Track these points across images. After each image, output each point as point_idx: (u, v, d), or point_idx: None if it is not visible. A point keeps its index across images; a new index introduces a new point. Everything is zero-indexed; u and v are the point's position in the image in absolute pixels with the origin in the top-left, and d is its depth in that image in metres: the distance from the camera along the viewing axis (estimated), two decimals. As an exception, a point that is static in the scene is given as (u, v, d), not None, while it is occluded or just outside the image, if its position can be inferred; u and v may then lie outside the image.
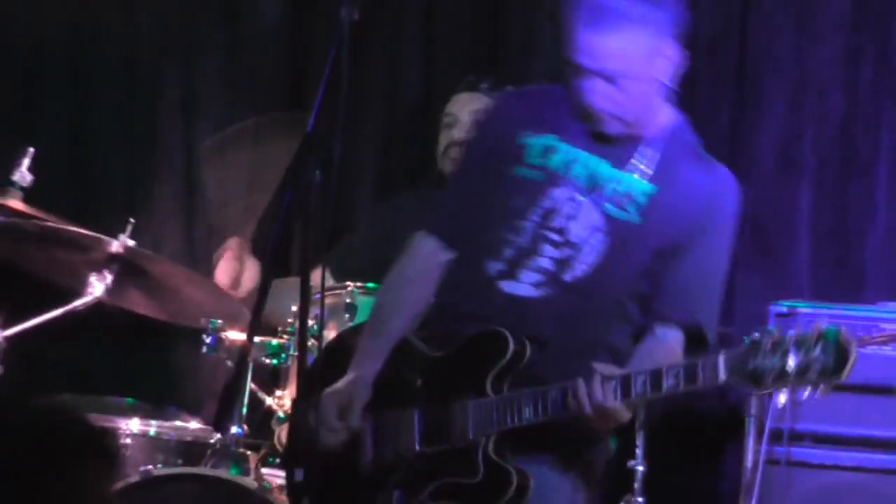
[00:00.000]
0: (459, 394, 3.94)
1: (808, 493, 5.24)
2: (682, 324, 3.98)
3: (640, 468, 5.15)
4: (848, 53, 6.34)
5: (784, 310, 5.32)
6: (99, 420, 4.99)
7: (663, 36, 4.01)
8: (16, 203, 5.00)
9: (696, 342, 3.98)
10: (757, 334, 3.68)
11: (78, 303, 5.01)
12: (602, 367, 3.75)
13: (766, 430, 5.09)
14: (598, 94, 3.90)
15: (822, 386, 3.53)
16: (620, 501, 5.19)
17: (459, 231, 4.14)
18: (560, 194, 4.05)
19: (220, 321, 4.97)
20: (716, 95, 6.41)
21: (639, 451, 5.19)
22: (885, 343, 5.15)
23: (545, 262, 4.02)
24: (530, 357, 3.89)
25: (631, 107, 4.01)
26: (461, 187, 4.32)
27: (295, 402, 4.28)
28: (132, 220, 5.16)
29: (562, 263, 3.99)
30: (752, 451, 5.15)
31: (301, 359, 3.73)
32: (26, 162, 4.99)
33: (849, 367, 3.50)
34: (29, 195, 4.97)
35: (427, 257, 4.19)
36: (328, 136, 3.88)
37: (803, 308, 5.32)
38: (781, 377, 3.59)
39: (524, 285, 3.99)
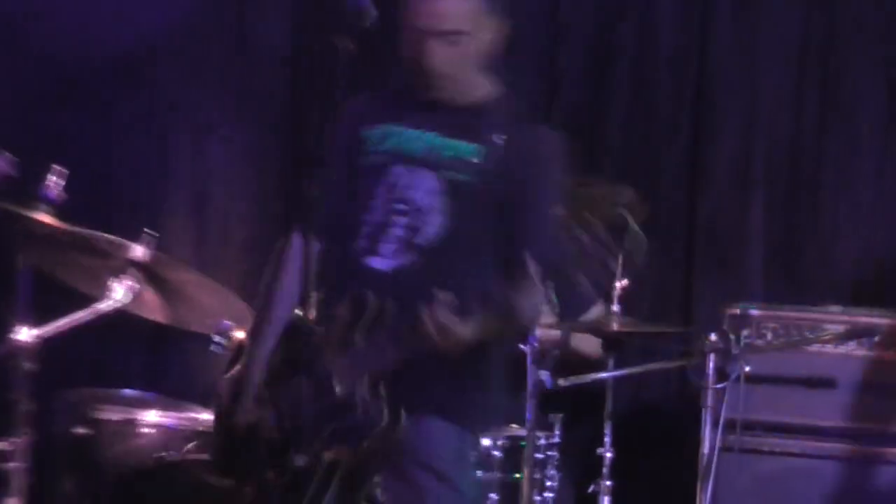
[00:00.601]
0: (336, 353, 4.36)
1: (759, 477, 5.58)
2: (535, 254, 4.32)
3: (609, 454, 5.48)
4: (797, 77, 6.70)
5: (738, 312, 5.66)
6: (119, 412, 5.78)
7: (487, 8, 4.48)
8: (46, 217, 5.33)
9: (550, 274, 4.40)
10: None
11: (102, 306, 5.42)
12: (442, 294, 4.19)
13: (721, 420, 5.20)
14: (437, 55, 4.35)
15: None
16: (591, 485, 5.50)
17: (325, 224, 4.52)
18: (399, 170, 4.53)
19: (231, 323, 5.23)
20: (676, 115, 6.77)
21: (607, 440, 5.54)
22: (828, 342, 5.52)
23: (398, 231, 4.51)
24: (395, 313, 4.35)
25: (464, 67, 4.48)
26: (321, 187, 4.67)
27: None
28: (147, 230, 5.53)
29: (412, 229, 4.50)
30: (709, 440, 5.24)
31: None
32: (55, 179, 5.33)
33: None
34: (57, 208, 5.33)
35: (295, 251, 4.53)
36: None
37: (754, 310, 5.68)
38: (634, 248, 4.47)
39: (384, 258, 4.50)
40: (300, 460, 4.25)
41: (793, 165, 6.83)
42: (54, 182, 5.34)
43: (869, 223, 6.74)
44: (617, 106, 7.00)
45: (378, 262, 4.48)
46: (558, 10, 7.10)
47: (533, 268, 4.25)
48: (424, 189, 4.54)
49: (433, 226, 4.50)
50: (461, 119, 4.54)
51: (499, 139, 4.52)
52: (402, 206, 4.52)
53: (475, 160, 4.51)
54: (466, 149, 4.50)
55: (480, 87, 4.59)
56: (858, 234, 6.74)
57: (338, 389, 4.29)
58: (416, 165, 4.52)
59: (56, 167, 5.42)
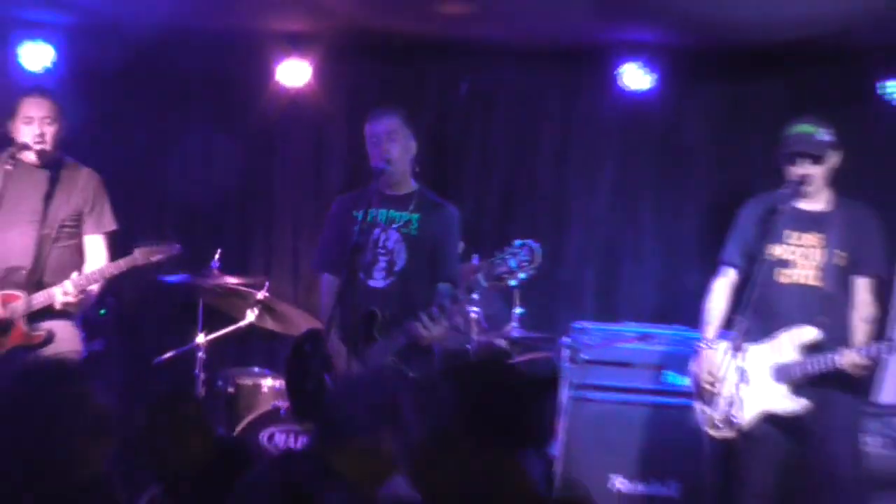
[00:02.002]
0: (365, 342, 6.25)
1: (591, 415, 7.53)
2: (449, 281, 6.48)
3: None
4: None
5: (580, 325, 7.78)
6: (251, 379, 7.77)
7: (405, 128, 6.51)
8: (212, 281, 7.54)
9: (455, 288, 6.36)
10: (492, 259, 6.10)
11: (242, 323, 7.72)
12: (424, 313, 6.12)
13: (570, 383, 7.43)
14: (383, 149, 6.40)
15: (531, 272, 6.00)
16: None
17: (334, 264, 6.47)
18: (377, 231, 6.48)
19: None
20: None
21: None
22: (630, 341, 7.68)
23: (383, 264, 6.56)
24: (391, 316, 6.26)
25: (397, 164, 6.49)
26: (328, 245, 6.74)
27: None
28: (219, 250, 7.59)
29: (391, 263, 6.53)
30: (565, 394, 7.45)
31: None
32: (217, 258, 7.55)
33: (538, 258, 5.99)
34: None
35: (328, 282, 6.63)
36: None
37: (589, 325, 7.80)
38: (511, 272, 6.02)
39: (377, 281, 6.50)
40: None
41: (612, 221, 8.99)
42: (216, 258, 7.58)
43: (658, 265, 8.94)
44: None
45: (374, 283, 6.55)
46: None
47: (448, 288, 6.46)
48: (393, 240, 6.58)
49: (401, 260, 6.57)
50: (405, 201, 6.66)
51: (425, 211, 6.63)
52: (382, 251, 6.57)
53: (415, 223, 6.62)
54: (411, 217, 6.62)
55: (410, 183, 6.70)
56: (655, 276, 8.90)
57: (370, 366, 6.14)
58: (386, 228, 6.59)
59: (220, 250, 7.61)
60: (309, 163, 9.04)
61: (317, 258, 6.93)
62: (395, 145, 6.51)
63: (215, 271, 7.65)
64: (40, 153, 6.86)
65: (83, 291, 6.79)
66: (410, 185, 6.66)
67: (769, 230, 6.46)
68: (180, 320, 8.08)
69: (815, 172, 6.47)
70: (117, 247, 7.12)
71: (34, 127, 6.85)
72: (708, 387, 6.52)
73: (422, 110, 8.41)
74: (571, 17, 7.95)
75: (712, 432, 6.52)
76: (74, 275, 6.82)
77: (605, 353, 7.68)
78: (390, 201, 6.60)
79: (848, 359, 6.20)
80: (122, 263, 6.86)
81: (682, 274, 8.63)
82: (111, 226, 7.08)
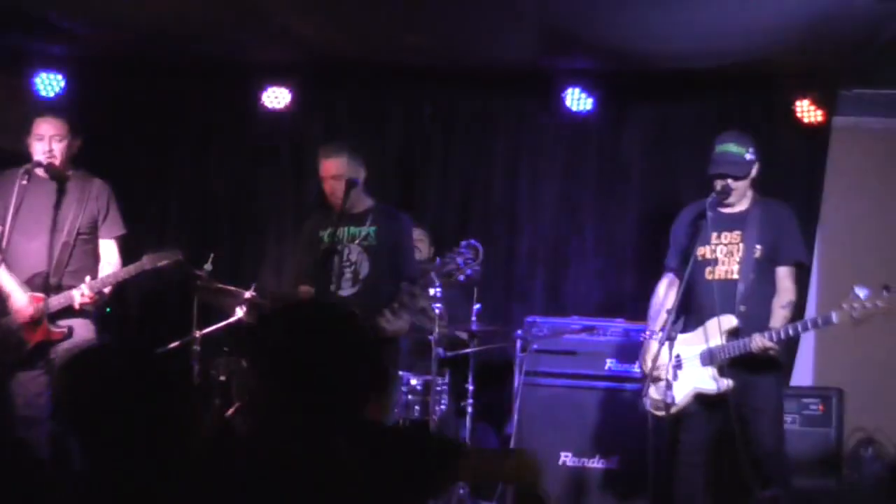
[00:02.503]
0: None
1: (542, 399, 7.63)
2: (409, 279, 6.61)
3: (471, 387, 7.43)
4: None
5: (532, 319, 7.87)
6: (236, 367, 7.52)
7: (350, 165, 6.77)
8: (206, 278, 7.45)
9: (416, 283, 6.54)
10: (442, 258, 6.34)
11: (232, 319, 7.59)
12: (386, 309, 6.37)
13: (522, 370, 7.46)
14: (337, 190, 6.61)
15: (475, 267, 6.22)
16: (461, 403, 7.49)
17: (307, 278, 6.73)
18: (342, 247, 6.75)
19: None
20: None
21: (470, 381, 7.45)
22: (576, 333, 7.73)
23: (348, 275, 6.78)
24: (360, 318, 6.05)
25: (356, 192, 6.64)
26: (302, 264, 6.94)
27: None
28: (212, 255, 7.49)
29: (356, 272, 6.76)
30: (517, 379, 7.46)
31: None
32: (210, 262, 7.46)
33: (480, 254, 6.24)
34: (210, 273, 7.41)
35: (302, 294, 6.75)
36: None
37: (540, 319, 7.89)
38: (458, 269, 6.24)
39: (345, 289, 6.76)
40: None
41: (558, 229, 8.97)
42: (209, 263, 7.48)
43: (600, 266, 8.92)
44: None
45: (343, 292, 6.77)
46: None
47: (407, 286, 6.63)
48: (355, 253, 6.82)
49: (365, 269, 6.82)
50: (363, 217, 6.88)
51: (380, 223, 6.85)
52: (347, 263, 6.82)
53: (374, 234, 6.85)
54: (368, 230, 6.85)
55: (367, 199, 6.92)
56: (598, 275, 8.89)
57: None
58: (349, 243, 6.83)
59: (212, 255, 7.49)
60: (291, 178, 9.12)
61: (293, 276, 7.13)
62: (339, 184, 6.74)
63: (208, 273, 7.61)
64: (50, 168, 6.92)
65: (98, 293, 6.95)
66: (366, 202, 6.91)
67: (697, 234, 6.61)
68: (178, 317, 8.11)
69: (737, 186, 6.64)
70: (124, 251, 7.25)
71: (45, 144, 6.93)
72: (650, 372, 6.63)
73: (389, 130, 8.50)
74: (521, 49, 8.07)
75: (654, 412, 6.63)
76: (89, 278, 6.95)
77: (553, 343, 7.80)
78: (350, 219, 6.84)
79: (757, 342, 6.33)
80: (133, 268, 7.02)
81: (621, 273, 8.77)
82: (121, 230, 7.22)
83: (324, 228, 6.75)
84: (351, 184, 6.67)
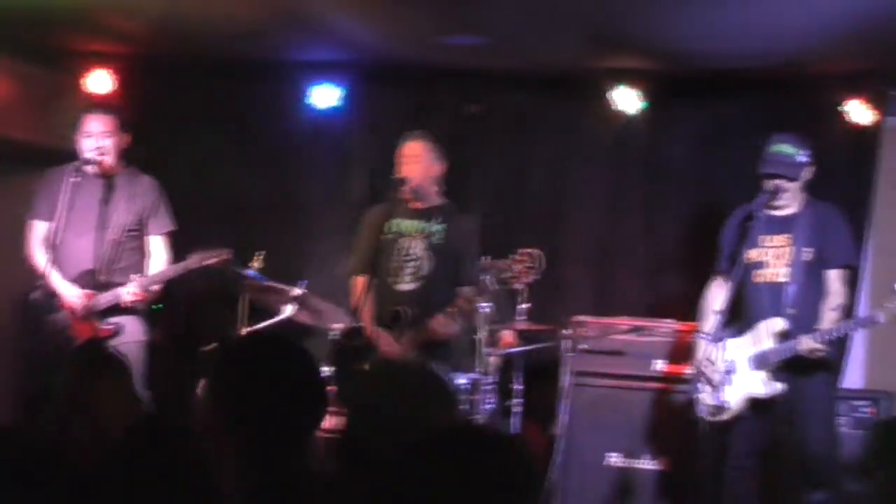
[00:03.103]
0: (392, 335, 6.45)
1: (589, 399, 7.57)
2: (469, 285, 6.63)
3: (519, 387, 7.44)
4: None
5: (580, 319, 7.78)
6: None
7: (428, 151, 6.85)
8: (253, 277, 7.34)
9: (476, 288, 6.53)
10: (500, 264, 6.36)
11: (280, 317, 7.41)
12: (441, 313, 6.44)
13: (570, 370, 7.47)
14: (409, 174, 6.63)
15: (532, 276, 6.23)
16: (508, 403, 7.41)
17: (368, 269, 6.72)
18: (404, 240, 6.82)
19: (339, 325, 7.14)
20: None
21: (519, 380, 7.48)
22: (624, 333, 7.70)
23: (410, 269, 6.82)
24: (415, 315, 6.50)
25: (418, 181, 6.71)
26: (363, 252, 6.93)
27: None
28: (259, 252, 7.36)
29: (417, 268, 6.78)
30: (565, 379, 7.48)
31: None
32: (257, 260, 7.32)
33: (541, 262, 6.20)
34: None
35: (359, 284, 6.76)
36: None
37: (587, 318, 7.80)
38: (515, 276, 6.28)
39: (405, 284, 6.83)
40: None
41: (610, 228, 8.89)
42: (257, 261, 7.37)
43: (647, 267, 8.80)
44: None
45: (401, 287, 6.81)
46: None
47: (466, 291, 6.66)
48: (419, 248, 6.81)
49: (428, 265, 6.80)
50: (431, 213, 6.88)
51: (449, 222, 6.85)
52: (409, 258, 6.82)
53: (441, 232, 6.85)
54: (436, 227, 6.85)
55: (436, 196, 6.90)
56: (645, 276, 8.81)
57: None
58: (413, 237, 6.83)
59: (259, 253, 7.36)
60: (338, 176, 9.11)
61: (352, 263, 7.03)
62: (416, 165, 6.71)
63: (257, 270, 7.53)
64: (100, 165, 6.92)
65: (147, 290, 6.92)
66: (436, 199, 6.85)
67: (747, 236, 6.55)
68: (225, 314, 7.92)
69: (788, 187, 6.57)
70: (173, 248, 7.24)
71: (94, 140, 6.94)
72: (703, 376, 6.57)
73: (435, 130, 8.30)
74: (569, 48, 7.97)
75: (707, 416, 6.56)
76: (137, 276, 6.95)
77: (601, 343, 7.76)
78: (418, 213, 6.80)
79: (805, 344, 6.29)
80: (181, 266, 7.00)
81: (669, 274, 8.66)
82: (170, 227, 7.20)
83: (389, 219, 6.73)
84: (400, 181, 6.64)
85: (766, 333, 6.45)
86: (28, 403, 6.89)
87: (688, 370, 7.01)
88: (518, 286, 6.45)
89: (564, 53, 8.08)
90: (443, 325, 6.48)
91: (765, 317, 6.50)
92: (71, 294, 6.86)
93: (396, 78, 8.87)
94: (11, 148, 8.32)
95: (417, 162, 6.75)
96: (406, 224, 6.81)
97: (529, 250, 6.25)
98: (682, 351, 7.37)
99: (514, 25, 7.49)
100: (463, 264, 6.73)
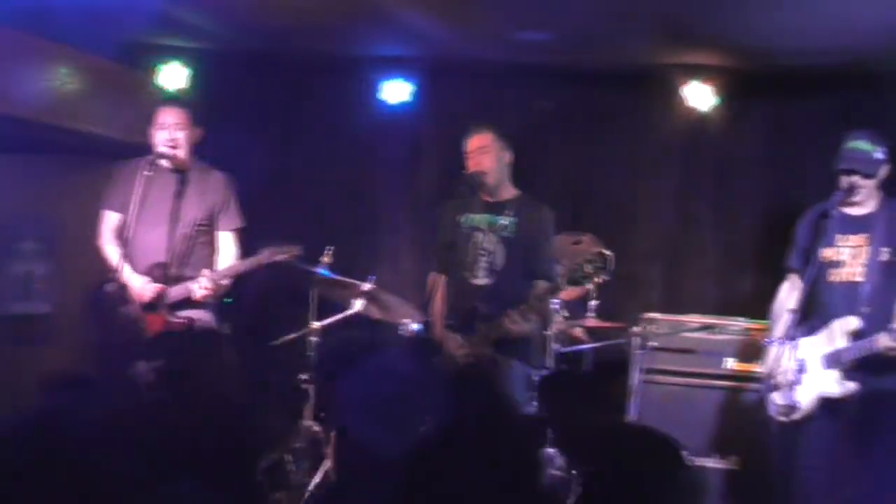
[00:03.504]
0: (469, 331, 6.45)
1: (659, 396, 7.53)
2: (544, 277, 6.61)
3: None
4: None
5: (650, 316, 7.75)
6: None
7: (497, 142, 6.82)
8: (322, 272, 7.28)
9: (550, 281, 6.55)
10: (572, 264, 6.38)
11: (350, 312, 7.45)
12: (515, 310, 6.40)
13: (640, 367, 7.43)
14: (478, 166, 6.62)
15: (603, 276, 6.32)
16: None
17: (445, 265, 6.76)
18: (477, 234, 6.77)
19: (409, 320, 7.22)
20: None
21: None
22: (694, 331, 7.64)
23: (483, 263, 6.75)
24: (491, 310, 6.44)
25: (489, 174, 6.69)
26: (442, 248, 6.90)
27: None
28: (329, 247, 7.36)
29: (491, 262, 6.72)
30: (635, 377, 7.46)
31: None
32: (327, 256, 7.34)
33: (611, 263, 6.29)
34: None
35: (436, 280, 6.78)
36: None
37: (657, 316, 7.78)
38: (586, 276, 6.34)
39: (479, 279, 6.76)
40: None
41: (683, 230, 8.93)
42: (327, 257, 7.37)
43: (718, 264, 8.88)
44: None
45: (477, 281, 6.76)
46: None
47: (543, 283, 6.66)
48: (492, 242, 6.75)
49: (500, 259, 6.74)
50: (503, 206, 6.84)
51: (521, 215, 6.80)
52: (483, 252, 6.76)
53: (513, 226, 6.79)
54: (508, 220, 6.79)
55: (508, 189, 6.87)
56: (715, 273, 8.82)
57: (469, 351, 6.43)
58: (486, 231, 6.77)
59: (328, 248, 7.35)
60: (408, 171, 9.18)
61: (434, 261, 7.03)
62: (487, 158, 6.66)
63: (327, 266, 7.52)
64: (173, 158, 6.94)
65: (217, 285, 6.91)
66: (509, 192, 6.81)
67: (822, 235, 6.45)
68: (296, 309, 7.93)
69: (864, 185, 6.43)
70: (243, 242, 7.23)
71: (167, 133, 6.94)
72: (774, 376, 6.46)
73: (503, 125, 8.31)
74: (640, 44, 7.94)
75: (778, 416, 6.44)
76: (208, 270, 6.94)
77: (671, 341, 7.70)
78: (490, 207, 6.76)
79: (882, 342, 6.14)
80: (252, 262, 6.97)
81: (740, 272, 8.63)
82: (240, 223, 7.15)
83: (461, 214, 6.70)
84: (470, 176, 6.66)
85: (839, 332, 6.34)
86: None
87: (758, 369, 6.93)
88: (588, 286, 6.48)
89: (637, 49, 8.07)
90: (514, 321, 6.42)
91: (839, 316, 6.38)
92: (141, 286, 6.86)
93: (468, 73, 8.87)
94: (86, 141, 8.35)
95: (486, 153, 6.71)
96: (478, 218, 6.78)
97: (601, 250, 6.27)
98: (753, 349, 7.29)
99: (587, 21, 7.46)
100: (536, 257, 6.69)
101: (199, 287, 6.85)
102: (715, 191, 8.87)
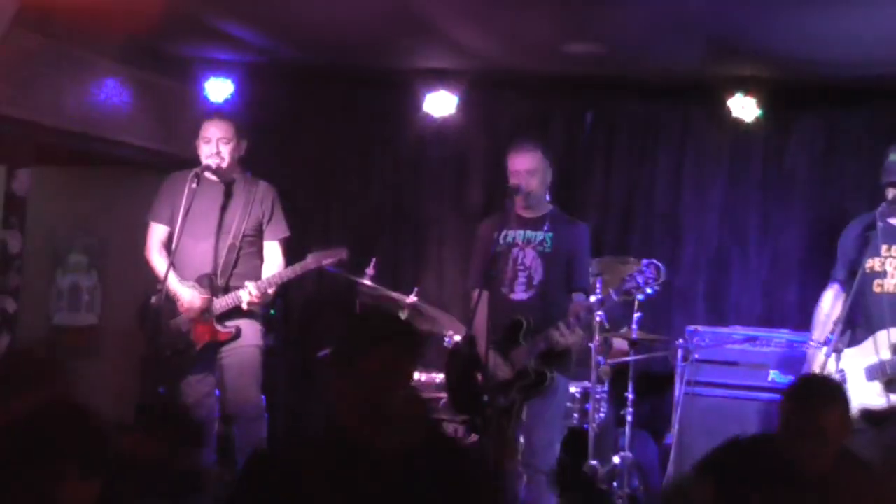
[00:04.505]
0: (512, 346, 6.42)
1: (702, 409, 7.53)
2: (582, 290, 6.62)
3: (631, 396, 7.55)
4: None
5: (693, 329, 7.82)
6: None
7: (544, 162, 6.76)
8: (367, 283, 7.52)
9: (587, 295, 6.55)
10: (622, 276, 6.36)
11: None
12: (562, 322, 6.30)
13: (683, 379, 7.46)
14: (524, 187, 6.56)
15: (657, 288, 6.24)
16: (621, 412, 7.61)
17: (483, 281, 6.63)
18: (516, 251, 6.72)
19: (452, 332, 7.45)
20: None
21: (630, 390, 7.57)
22: (738, 343, 7.67)
23: (522, 279, 6.71)
24: (533, 324, 6.39)
25: (535, 193, 6.67)
26: (478, 265, 6.88)
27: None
28: (374, 259, 7.55)
29: (530, 277, 6.68)
30: (678, 389, 7.50)
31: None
32: (372, 266, 7.48)
33: (662, 275, 6.20)
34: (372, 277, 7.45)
35: (477, 296, 6.56)
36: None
37: (702, 328, 7.84)
38: (638, 288, 6.24)
39: (518, 294, 6.72)
40: (502, 401, 6.29)
41: (721, 236, 8.83)
42: (371, 267, 7.52)
43: (762, 276, 8.73)
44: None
45: (516, 297, 6.73)
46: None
47: (582, 296, 6.65)
48: (530, 258, 6.73)
49: (539, 274, 6.71)
50: (540, 222, 6.82)
51: (557, 229, 6.77)
52: (521, 268, 6.74)
53: (550, 242, 6.76)
54: (545, 236, 6.77)
55: (545, 204, 6.84)
56: (760, 285, 8.71)
57: (518, 365, 6.43)
58: (523, 247, 6.76)
59: (374, 260, 7.50)
60: (452, 184, 9.16)
61: (471, 278, 6.96)
62: (534, 179, 6.65)
63: (371, 278, 7.63)
64: (219, 170, 7.01)
65: (265, 293, 6.94)
66: (545, 207, 6.79)
67: (867, 246, 6.46)
68: (340, 321, 8.19)
69: None
70: (288, 254, 7.24)
71: (212, 146, 7.01)
72: None
73: (550, 138, 8.42)
74: (686, 56, 7.89)
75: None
76: (253, 281, 6.97)
77: (715, 353, 7.71)
78: (527, 223, 6.75)
79: None
80: (299, 268, 7.00)
81: (785, 284, 8.56)
82: (286, 233, 7.20)
83: (500, 230, 6.65)
84: (514, 190, 6.61)
85: (884, 344, 6.35)
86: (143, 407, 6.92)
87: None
88: (640, 297, 6.43)
89: (683, 61, 8.04)
90: (563, 334, 6.39)
91: (883, 327, 6.39)
92: (190, 297, 6.93)
93: (513, 86, 8.88)
94: (134, 153, 8.46)
95: (534, 175, 6.69)
96: (517, 234, 6.77)
97: (652, 261, 6.26)
98: (795, 361, 7.28)
99: (633, 34, 7.47)
100: (574, 271, 6.70)
101: (248, 295, 6.90)
102: (760, 202, 8.74)
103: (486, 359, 6.26)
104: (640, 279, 6.22)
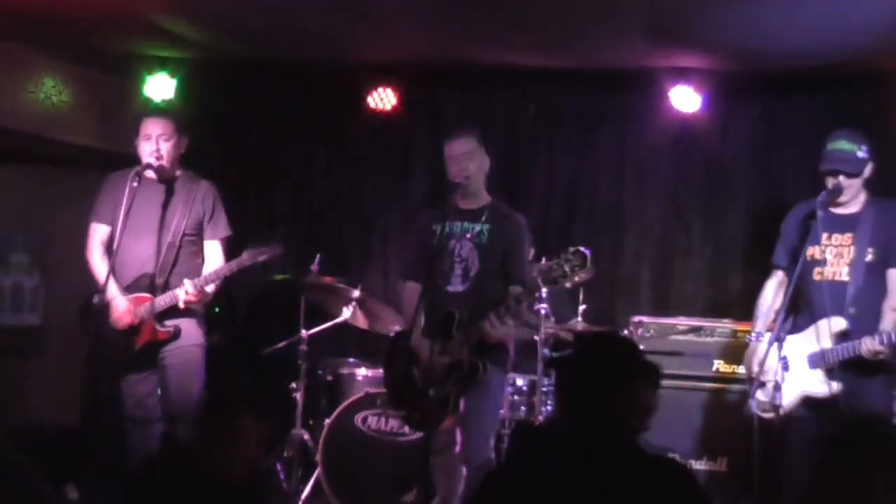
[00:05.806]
0: (446, 338, 6.32)
1: None
2: (519, 282, 6.47)
3: None
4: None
5: (638, 319, 7.89)
6: (347, 369, 7.77)
7: (480, 147, 6.68)
8: (313, 278, 7.53)
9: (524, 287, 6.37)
10: (548, 262, 6.15)
11: (338, 320, 7.70)
12: (492, 313, 6.23)
13: None
14: (459, 173, 6.47)
15: (581, 274, 6.05)
16: None
17: (417, 273, 6.62)
18: (453, 242, 6.63)
19: (396, 327, 7.31)
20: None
21: None
22: (682, 333, 7.80)
23: (459, 270, 6.63)
24: (468, 316, 6.31)
25: (474, 179, 6.59)
26: (411, 256, 6.85)
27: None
28: (319, 254, 7.63)
29: (466, 269, 6.60)
30: None
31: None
32: (317, 262, 7.51)
33: (588, 262, 6.02)
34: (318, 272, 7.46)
35: (410, 289, 6.65)
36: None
37: (646, 318, 7.90)
38: (564, 275, 6.04)
39: (455, 286, 6.64)
40: (438, 393, 6.19)
41: (668, 224, 8.95)
42: (316, 262, 7.56)
43: (706, 266, 8.88)
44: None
45: (452, 288, 6.66)
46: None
47: (518, 287, 6.50)
48: (467, 249, 6.65)
49: (475, 266, 6.63)
50: (479, 214, 6.74)
51: (495, 221, 6.70)
52: (458, 259, 6.66)
53: (486, 233, 6.69)
54: (482, 228, 6.68)
55: (485, 196, 6.78)
56: (704, 275, 8.83)
57: (451, 358, 6.35)
58: (460, 238, 6.67)
59: (319, 254, 7.55)
60: (396, 178, 9.18)
61: (402, 268, 6.98)
62: (471, 163, 6.55)
63: (315, 273, 7.67)
64: (160, 168, 6.94)
65: (202, 291, 6.88)
66: (484, 199, 6.72)
67: (808, 233, 6.44)
68: (285, 317, 8.13)
69: (849, 184, 6.46)
70: (231, 250, 7.20)
71: (152, 143, 6.94)
72: (757, 375, 6.45)
73: (493, 130, 8.41)
74: (627, 47, 7.90)
75: (761, 414, 6.42)
76: (190, 279, 6.92)
77: (659, 343, 7.74)
78: (464, 214, 6.66)
79: (867, 346, 6.17)
80: (234, 264, 6.93)
81: (728, 273, 8.65)
82: (227, 232, 7.14)
83: (437, 222, 6.58)
84: (457, 186, 6.55)
85: (825, 332, 6.36)
86: (91, 406, 7.01)
87: (742, 368, 6.96)
88: (567, 285, 6.27)
89: (623, 51, 8.04)
90: (493, 325, 6.31)
91: (825, 315, 6.39)
92: (120, 304, 6.90)
93: (455, 78, 8.90)
94: (75, 152, 8.44)
95: (471, 159, 6.62)
96: (455, 225, 6.69)
97: (577, 248, 6.12)
98: (740, 351, 7.24)
99: (573, 23, 7.45)
100: (510, 263, 6.62)
101: (185, 293, 6.83)
102: (703, 192, 8.87)
103: (420, 352, 6.26)
104: (566, 267, 6.09)
